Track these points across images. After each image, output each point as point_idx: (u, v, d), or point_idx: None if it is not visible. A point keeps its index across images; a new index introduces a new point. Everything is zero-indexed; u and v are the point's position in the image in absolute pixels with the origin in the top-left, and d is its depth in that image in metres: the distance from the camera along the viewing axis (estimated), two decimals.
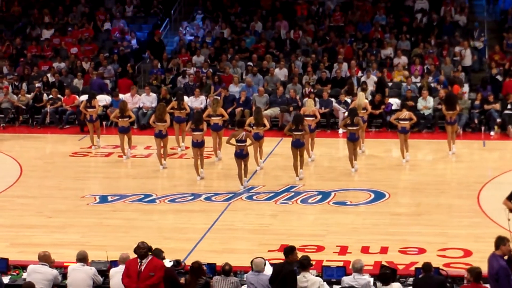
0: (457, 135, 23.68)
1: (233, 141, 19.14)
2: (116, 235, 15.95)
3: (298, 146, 19.74)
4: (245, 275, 11.84)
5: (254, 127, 20.76)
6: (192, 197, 18.62)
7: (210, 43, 30.67)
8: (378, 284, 11.47)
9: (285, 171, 20.51)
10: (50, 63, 30.02)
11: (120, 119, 22.07)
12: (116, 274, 11.69)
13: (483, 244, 14.81)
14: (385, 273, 11.51)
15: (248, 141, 19.18)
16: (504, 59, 28.17)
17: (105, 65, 29.39)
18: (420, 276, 11.67)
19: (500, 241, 11.31)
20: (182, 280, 11.85)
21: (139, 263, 11.31)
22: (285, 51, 29.96)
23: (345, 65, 28.20)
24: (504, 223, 14.38)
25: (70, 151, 23.45)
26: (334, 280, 12.07)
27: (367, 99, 24.27)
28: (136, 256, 11.35)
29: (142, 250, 11.33)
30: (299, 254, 12.19)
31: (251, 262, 11.84)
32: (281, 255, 14.04)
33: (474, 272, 11.03)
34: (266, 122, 20.93)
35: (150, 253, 11.41)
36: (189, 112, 23.83)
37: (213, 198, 18.50)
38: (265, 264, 11.79)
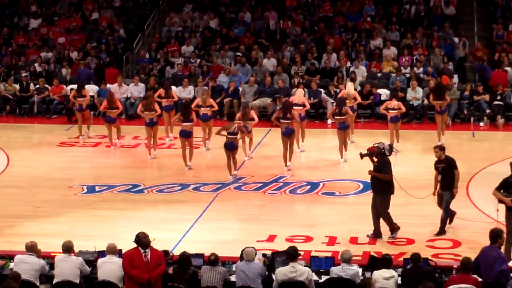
0: (447, 126, 23.68)
1: (223, 132, 19.03)
2: (104, 225, 15.89)
3: (288, 134, 19.62)
4: (236, 264, 11.77)
5: (242, 122, 20.60)
6: (180, 187, 18.54)
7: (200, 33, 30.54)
8: (379, 271, 11.40)
9: (273, 161, 20.45)
10: (38, 53, 29.86)
11: (108, 110, 21.98)
12: (104, 264, 11.65)
13: (472, 234, 14.90)
14: (386, 258, 11.50)
15: (240, 134, 19.11)
16: (483, 55, 27.90)
17: (93, 55, 29.22)
18: (409, 266, 11.66)
19: (497, 236, 11.35)
20: (170, 270, 11.79)
21: (143, 253, 11.28)
22: (274, 41, 29.86)
23: (334, 55, 28.15)
24: (493, 213, 14.40)
25: (57, 141, 23.33)
26: (323, 270, 12.03)
27: (355, 89, 24.24)
28: (136, 246, 11.36)
29: (147, 239, 11.33)
30: (287, 245, 12.13)
31: (242, 251, 11.79)
32: (269, 246, 14.10)
33: (462, 262, 11.04)
34: (254, 115, 20.85)
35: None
36: (177, 100, 23.73)
37: (201, 189, 18.42)
38: (255, 254, 11.73)
